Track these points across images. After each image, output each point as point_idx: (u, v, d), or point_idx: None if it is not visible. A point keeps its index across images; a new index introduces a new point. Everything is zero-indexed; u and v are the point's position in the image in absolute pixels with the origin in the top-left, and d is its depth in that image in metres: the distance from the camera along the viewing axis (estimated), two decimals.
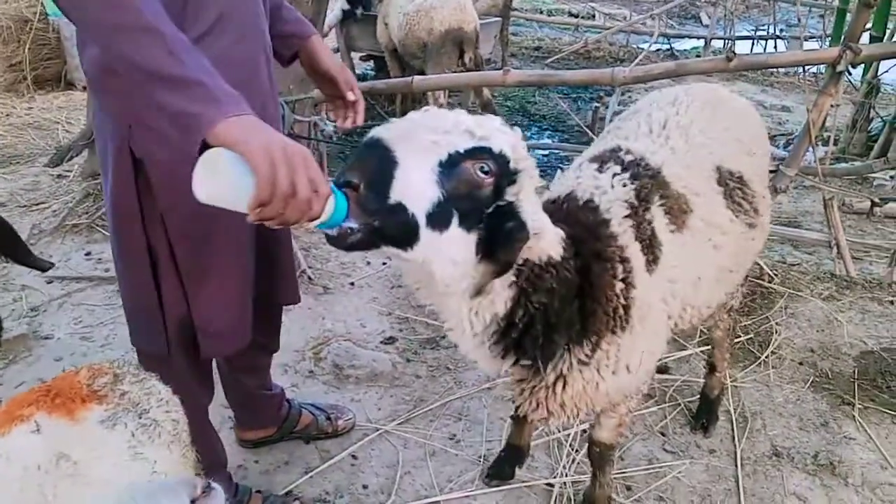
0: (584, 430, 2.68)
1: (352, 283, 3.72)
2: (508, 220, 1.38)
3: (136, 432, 1.34)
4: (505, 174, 1.38)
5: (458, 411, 2.84)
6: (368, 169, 1.29)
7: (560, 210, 1.73)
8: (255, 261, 2.00)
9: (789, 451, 2.69)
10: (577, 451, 2.62)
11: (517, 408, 2.04)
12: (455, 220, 1.35)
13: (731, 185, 1.98)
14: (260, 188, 1.22)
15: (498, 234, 1.38)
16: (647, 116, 2.07)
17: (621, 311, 1.64)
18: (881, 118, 5.58)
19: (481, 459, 2.60)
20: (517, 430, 2.48)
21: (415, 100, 5.97)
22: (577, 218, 1.67)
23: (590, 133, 4.92)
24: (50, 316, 3.29)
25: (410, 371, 3.07)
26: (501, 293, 1.50)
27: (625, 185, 1.77)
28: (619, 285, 1.63)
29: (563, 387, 1.72)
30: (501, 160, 1.37)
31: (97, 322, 3.24)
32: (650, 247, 1.71)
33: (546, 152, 6.09)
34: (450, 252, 1.37)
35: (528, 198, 1.43)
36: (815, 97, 3.60)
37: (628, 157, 1.88)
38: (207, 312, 1.89)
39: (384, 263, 3.90)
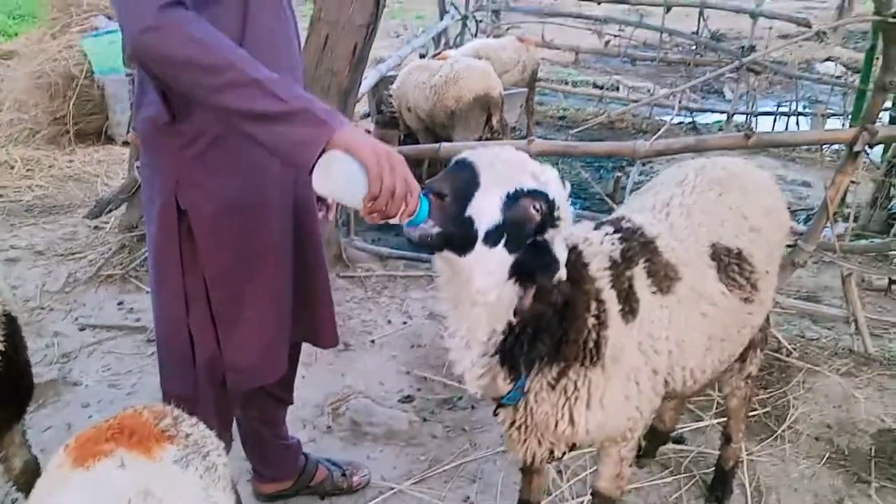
0: None
1: (372, 341, 3.79)
2: (544, 253, 1.67)
3: (203, 474, 1.40)
4: (550, 217, 1.64)
5: (472, 473, 2.87)
6: (457, 184, 1.59)
7: None
8: (296, 306, 2.11)
9: None
10: None
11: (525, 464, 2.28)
12: (503, 241, 1.62)
13: (727, 261, 2.12)
14: (372, 183, 1.48)
15: (533, 262, 1.66)
16: (655, 194, 2.25)
17: (591, 344, 1.84)
18: None
19: None
20: (525, 483, 2.51)
21: (442, 164, 6.14)
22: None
23: (610, 202, 5.03)
24: (80, 363, 3.40)
25: (427, 430, 3.11)
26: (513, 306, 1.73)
27: (612, 244, 1.98)
28: (592, 320, 1.83)
29: (535, 409, 1.90)
30: (552, 205, 1.64)
31: (125, 370, 3.34)
32: (626, 299, 1.90)
33: None
34: (491, 265, 1.64)
35: (560, 240, 1.71)
36: (833, 175, 3.68)
37: (626, 225, 2.08)
38: (236, 352, 2.00)
39: (405, 323, 3.98)
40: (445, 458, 2.93)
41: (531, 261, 1.65)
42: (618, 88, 11.92)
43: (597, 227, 2.07)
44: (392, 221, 1.54)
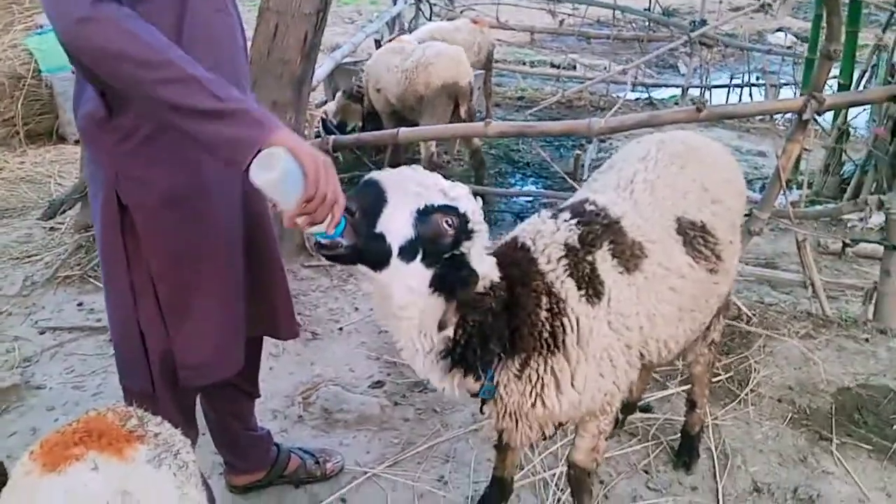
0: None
1: (340, 329, 3.79)
2: (461, 266, 1.73)
3: (176, 472, 1.39)
4: (464, 230, 1.73)
5: (445, 453, 2.89)
6: (365, 201, 1.63)
7: (499, 250, 2.03)
8: (251, 300, 2.10)
9: (769, 486, 2.76)
10: (562, 490, 2.67)
11: (498, 438, 2.39)
12: (419, 257, 1.69)
13: (692, 234, 2.16)
14: (309, 185, 1.50)
15: (451, 276, 1.71)
16: (618, 171, 2.28)
17: (546, 335, 1.91)
18: (853, 162, 5.76)
19: (468, 500, 2.64)
20: (499, 459, 2.54)
21: (406, 149, 6.11)
22: (510, 256, 1.97)
23: (571, 181, 5.07)
24: (42, 366, 3.34)
25: (398, 414, 3.13)
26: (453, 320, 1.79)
27: (570, 231, 2.03)
28: (544, 314, 1.91)
29: (507, 399, 1.98)
30: (463, 219, 1.72)
31: (89, 371, 3.29)
32: (589, 282, 1.95)
33: (530, 199, 6.22)
34: (410, 280, 1.70)
35: (478, 251, 1.78)
36: (784, 143, 3.76)
37: (590, 208, 2.11)
38: (186, 347, 1.98)
39: (371, 309, 3.98)
40: (418, 441, 2.95)
41: (449, 274, 1.71)
42: (574, 67, 11.96)
43: (554, 216, 2.10)
44: (313, 229, 1.56)
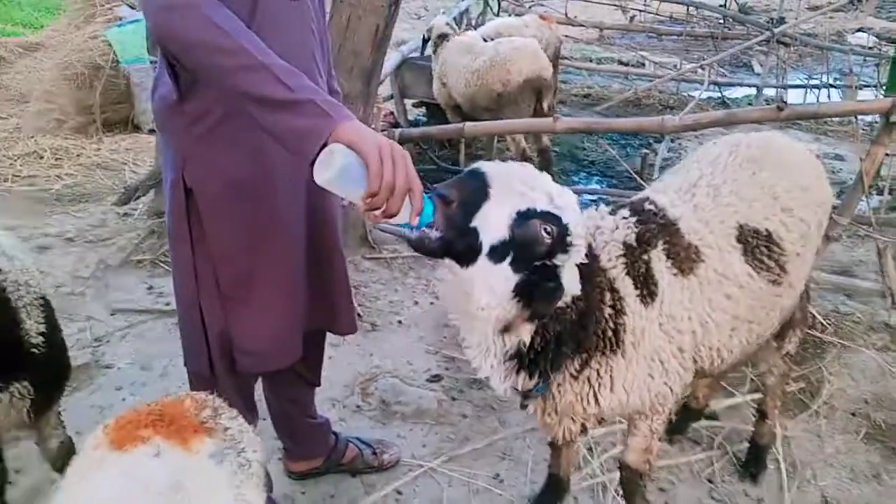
0: None
1: (400, 322, 3.79)
2: (551, 278, 1.63)
3: (237, 471, 1.37)
4: (561, 243, 1.62)
5: (502, 451, 2.86)
6: (466, 192, 1.55)
7: None
8: (311, 292, 2.10)
9: (839, 502, 2.64)
10: (622, 496, 2.61)
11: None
12: (508, 259, 1.59)
13: (754, 243, 2.07)
14: (371, 179, 1.43)
15: (537, 286, 1.62)
16: (686, 173, 2.21)
17: (610, 333, 1.85)
18: None
19: (525, 500, 2.61)
20: (554, 457, 2.51)
21: (480, 147, 6.02)
22: None
23: (639, 179, 4.96)
24: (112, 346, 3.44)
25: (456, 410, 3.11)
26: (528, 327, 1.72)
27: (628, 229, 1.96)
28: (608, 310, 1.84)
29: (559, 399, 1.94)
30: (564, 230, 1.61)
31: (157, 353, 3.37)
32: (644, 283, 1.90)
33: (594, 197, 6.12)
34: (494, 281, 1.60)
35: (571, 266, 1.68)
36: (869, 147, 3.59)
37: (648, 207, 2.05)
38: (244, 333, 2.01)
39: (432, 303, 3.98)
40: (475, 437, 2.93)
41: (535, 284, 1.62)
42: (643, 65, 11.74)
43: (613, 212, 2.05)
44: (393, 221, 1.48)
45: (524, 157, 5.96)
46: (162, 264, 4.17)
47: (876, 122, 5.76)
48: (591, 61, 11.87)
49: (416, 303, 3.99)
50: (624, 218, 1.98)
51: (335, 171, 1.42)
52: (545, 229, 1.58)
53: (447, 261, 1.61)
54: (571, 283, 1.69)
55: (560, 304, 1.70)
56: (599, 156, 7.21)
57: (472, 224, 1.54)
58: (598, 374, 1.87)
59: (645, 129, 3.90)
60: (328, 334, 2.41)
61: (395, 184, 1.44)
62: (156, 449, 1.29)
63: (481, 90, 5.68)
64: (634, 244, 1.92)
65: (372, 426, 2.99)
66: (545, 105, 5.76)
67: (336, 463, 2.69)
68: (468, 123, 4.12)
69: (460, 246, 1.55)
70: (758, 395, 2.89)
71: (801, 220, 2.16)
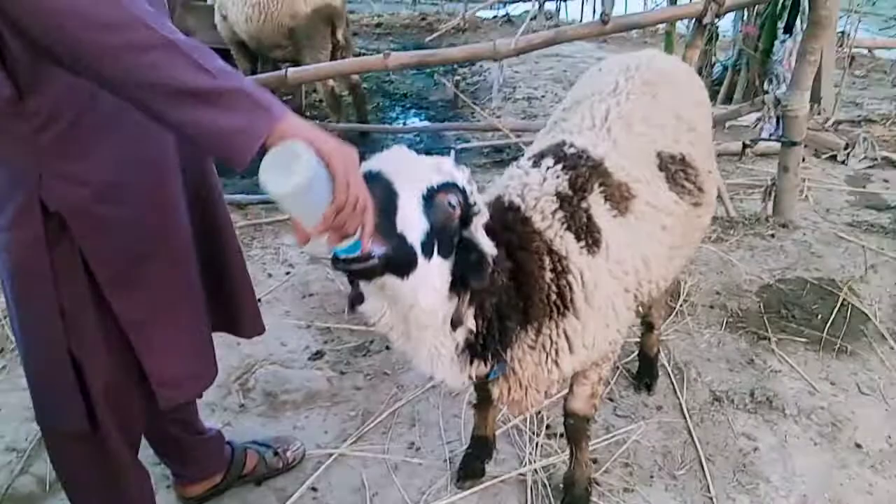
0: (539, 412, 2.68)
1: (258, 300, 3.46)
2: (473, 250, 1.54)
3: None
4: (468, 206, 1.54)
5: (409, 417, 2.73)
6: (377, 198, 1.33)
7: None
8: (209, 294, 1.80)
9: (727, 393, 2.83)
10: (537, 434, 2.61)
11: (479, 397, 2.31)
12: (436, 250, 1.48)
13: (673, 169, 2.06)
14: (338, 192, 1.19)
15: (464, 265, 1.53)
16: (590, 108, 2.11)
17: (555, 297, 1.76)
18: (722, 63, 5.96)
19: (447, 463, 2.51)
20: (480, 418, 2.43)
21: (286, 93, 5.62)
22: (501, 220, 1.76)
23: (457, 108, 4.88)
24: None
25: (348, 384, 2.91)
26: (470, 311, 1.62)
27: (557, 177, 1.86)
28: (549, 275, 1.75)
29: (521, 373, 1.84)
30: (464, 194, 1.53)
31: None
32: (587, 231, 1.81)
33: (415, 135, 5.99)
34: (434, 279, 1.49)
35: (479, 228, 1.58)
36: (684, 50, 3.77)
37: (571, 151, 1.95)
38: (160, 361, 1.68)
39: (287, 273, 3.68)
40: (376, 409, 2.76)
41: (462, 263, 1.52)
42: None
43: (535, 164, 1.92)
44: (341, 244, 1.27)
45: (334, 96, 5.67)
46: None
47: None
48: None
49: (270, 275, 3.67)
50: (549, 167, 1.87)
51: (301, 178, 1.12)
52: (449, 202, 1.48)
53: (388, 278, 1.42)
54: (487, 245, 1.58)
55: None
56: (409, 88, 7.07)
57: (398, 229, 1.39)
58: (553, 339, 1.78)
59: (479, 55, 3.80)
60: None
61: (357, 197, 1.20)
62: None
63: (266, 25, 5.26)
64: (570, 193, 1.82)
65: (263, 423, 2.72)
66: (339, 36, 5.47)
67: (237, 475, 2.40)
68: (290, 70, 3.76)
69: (399, 256, 1.40)
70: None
71: (703, 136, 2.19)
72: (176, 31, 1.19)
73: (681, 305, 3.38)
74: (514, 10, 10.51)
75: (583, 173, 1.85)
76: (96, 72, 1.19)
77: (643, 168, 1.98)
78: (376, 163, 1.44)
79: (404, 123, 6.31)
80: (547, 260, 1.74)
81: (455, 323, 1.56)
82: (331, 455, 2.54)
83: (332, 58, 5.30)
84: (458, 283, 1.54)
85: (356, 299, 1.61)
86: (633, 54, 2.31)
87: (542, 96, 6.99)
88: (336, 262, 1.31)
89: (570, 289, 1.76)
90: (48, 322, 1.55)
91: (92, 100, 1.41)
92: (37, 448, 2.47)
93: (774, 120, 3.91)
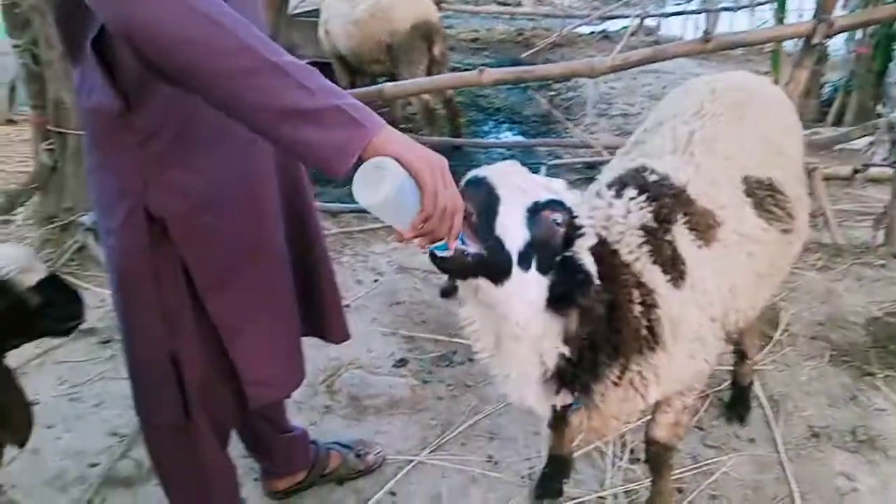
0: (622, 436, 2.62)
1: (347, 305, 3.54)
2: (576, 269, 1.53)
3: None
4: (573, 227, 1.54)
5: (488, 430, 2.72)
6: (478, 201, 1.40)
7: None
8: (301, 300, 1.87)
9: (826, 430, 2.68)
10: (620, 458, 2.55)
11: (554, 416, 2.17)
12: (534, 263, 1.48)
13: (761, 195, 1.98)
14: (426, 201, 1.25)
15: (568, 282, 1.52)
16: (672, 130, 2.05)
17: (644, 332, 1.71)
18: (832, 84, 5.70)
19: (525, 479, 2.49)
20: (557, 438, 2.39)
21: (383, 105, 5.73)
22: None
23: (551, 124, 4.85)
24: (31, 379, 3.01)
25: (430, 393, 2.94)
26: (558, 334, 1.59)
27: (640, 209, 1.81)
28: (638, 308, 1.70)
29: (603, 408, 1.79)
30: (571, 215, 1.54)
31: (84, 379, 2.99)
32: (673, 265, 1.76)
33: (507, 149, 5.99)
34: (529, 292, 1.49)
35: (585, 250, 1.58)
36: (791, 70, 3.63)
37: (652, 178, 1.90)
38: (252, 361, 1.75)
39: (375, 280, 3.75)
40: (457, 420, 2.77)
41: (565, 281, 1.51)
42: (520, 3, 11.67)
43: (617, 194, 1.86)
44: (431, 247, 1.34)
45: (428, 110, 5.75)
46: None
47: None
48: (467, 3, 11.67)
49: (359, 282, 3.75)
50: (632, 198, 1.82)
51: (387, 191, 1.19)
52: (555, 220, 1.50)
53: (480, 281, 1.46)
54: (593, 268, 1.58)
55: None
56: (503, 102, 7.09)
57: (497, 233, 1.42)
58: (641, 374, 1.73)
59: (576, 72, 3.77)
60: None
61: (446, 204, 1.25)
62: None
63: (365, 42, 5.37)
64: (654, 225, 1.77)
65: (347, 425, 2.77)
66: (437, 51, 5.54)
67: (320, 473, 2.47)
68: (387, 85, 3.85)
69: (494, 259, 1.42)
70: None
71: (792, 160, 2.10)
72: (280, 50, 1.24)
73: (780, 335, 3.23)
74: (613, 25, 10.38)
75: (666, 204, 1.80)
76: (207, 93, 1.26)
77: (728, 193, 1.91)
78: (484, 171, 1.46)
79: (497, 138, 6.32)
80: (636, 293, 1.70)
81: (567, 338, 1.56)
82: (410, 461, 2.56)
83: (428, 72, 5.40)
84: (565, 302, 1.53)
85: (449, 290, 1.68)
86: (720, 75, 2.23)
87: (638, 113, 6.85)
88: (433, 257, 1.37)
89: (660, 322, 1.71)
90: (151, 321, 1.64)
91: (195, 116, 1.49)
92: (137, 434, 2.61)
93: (888, 144, 3.69)
